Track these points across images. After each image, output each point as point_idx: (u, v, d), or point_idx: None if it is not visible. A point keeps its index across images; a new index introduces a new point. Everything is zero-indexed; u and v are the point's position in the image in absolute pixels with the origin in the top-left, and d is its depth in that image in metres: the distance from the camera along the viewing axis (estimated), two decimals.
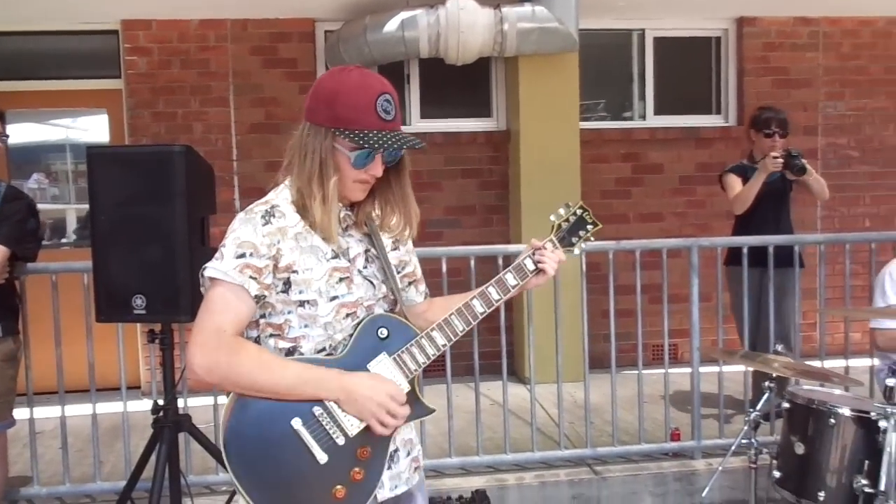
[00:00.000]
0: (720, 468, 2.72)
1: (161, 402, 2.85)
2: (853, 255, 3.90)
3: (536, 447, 3.65)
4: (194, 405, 3.37)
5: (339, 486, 1.51)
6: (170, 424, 2.80)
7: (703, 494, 2.71)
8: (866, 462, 2.39)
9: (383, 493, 1.61)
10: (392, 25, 4.67)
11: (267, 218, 1.54)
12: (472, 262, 3.55)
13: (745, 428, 2.62)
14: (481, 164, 5.40)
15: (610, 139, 5.50)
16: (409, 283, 1.78)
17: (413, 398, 1.60)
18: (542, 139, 5.03)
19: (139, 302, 2.67)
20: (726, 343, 4.11)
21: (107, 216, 2.70)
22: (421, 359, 1.60)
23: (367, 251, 1.64)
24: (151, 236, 2.68)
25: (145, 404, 2.88)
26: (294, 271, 1.53)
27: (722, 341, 3.84)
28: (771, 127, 4.06)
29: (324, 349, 1.56)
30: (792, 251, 3.87)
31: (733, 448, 2.61)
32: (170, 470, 2.78)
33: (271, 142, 4.94)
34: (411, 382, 1.60)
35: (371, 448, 1.54)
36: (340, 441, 1.51)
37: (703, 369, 3.77)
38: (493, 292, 1.67)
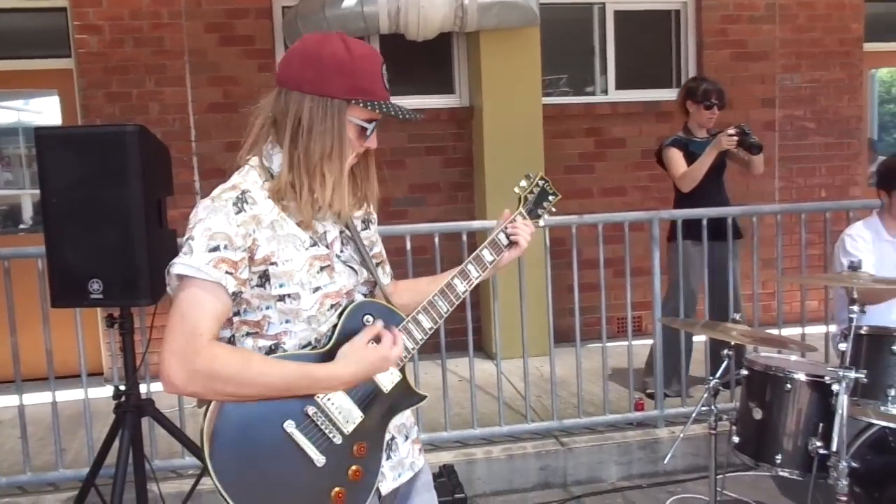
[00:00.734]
0: (681, 435, 2.78)
1: (122, 387, 2.80)
2: (809, 225, 3.99)
3: (504, 421, 3.69)
4: (158, 390, 3.32)
5: (337, 489, 1.40)
6: (132, 409, 2.76)
7: (665, 461, 2.77)
8: (820, 425, 2.45)
9: (386, 485, 1.53)
10: (351, 0, 4.60)
11: (239, 205, 1.39)
12: (437, 240, 3.55)
13: (705, 396, 2.68)
14: (445, 142, 5.37)
15: (572, 114, 5.52)
16: (377, 265, 1.66)
17: (405, 386, 1.54)
18: (505, 115, 5.03)
19: (96, 286, 2.61)
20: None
21: (58, 199, 2.62)
22: (409, 344, 1.53)
23: (341, 233, 1.54)
24: (106, 219, 2.61)
25: (109, 391, 2.83)
26: (273, 263, 1.41)
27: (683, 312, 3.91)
28: (711, 98, 4.02)
29: (309, 344, 1.45)
30: (726, 224, 3.83)
31: (693, 416, 2.67)
32: (134, 455, 2.75)
33: (231, 122, 4.84)
34: (402, 370, 1.54)
35: (367, 442, 1.46)
36: (337, 440, 1.42)
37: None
38: (472, 270, 1.62)
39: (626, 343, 3.85)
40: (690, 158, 4.00)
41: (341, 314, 1.48)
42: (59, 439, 3.32)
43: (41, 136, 2.66)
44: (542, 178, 1.77)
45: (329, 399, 1.43)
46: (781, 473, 2.55)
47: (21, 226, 5.22)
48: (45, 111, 5.19)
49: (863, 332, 2.48)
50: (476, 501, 3.47)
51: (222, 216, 1.38)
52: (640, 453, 3.71)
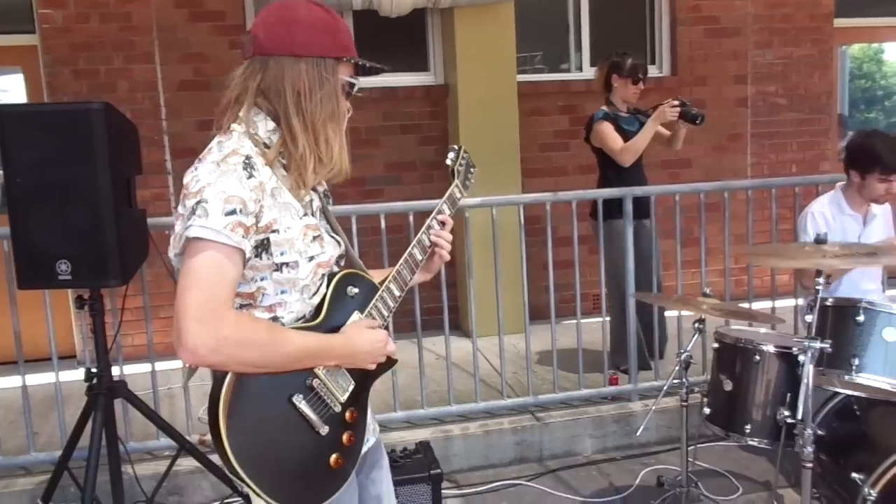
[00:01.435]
0: (653, 408, 2.82)
1: (94, 369, 2.77)
2: (780, 201, 4.04)
3: (480, 398, 3.72)
4: (131, 373, 3.30)
5: (335, 455, 1.45)
6: (104, 391, 2.74)
7: (638, 433, 2.82)
8: (788, 395, 2.50)
9: (364, 448, 1.59)
10: None
11: (249, 171, 1.36)
12: (412, 219, 3.53)
13: (676, 368, 2.73)
14: (420, 120, 5.33)
15: (547, 91, 5.50)
16: None
17: None
18: (479, 92, 5.00)
19: (64, 267, 2.57)
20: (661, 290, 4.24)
21: (23, 179, 2.57)
22: (385, 312, 1.58)
23: (320, 204, 1.56)
24: (73, 199, 2.56)
25: (81, 373, 2.80)
26: (274, 231, 1.40)
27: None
28: (639, 74, 4.04)
29: (302, 317, 1.47)
30: (649, 202, 3.87)
31: (665, 389, 2.71)
32: (107, 437, 2.73)
33: (202, 100, 4.76)
34: None
35: (356, 409, 1.51)
36: (336, 409, 1.46)
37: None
38: (424, 239, 1.68)
39: (600, 319, 3.89)
40: (620, 133, 3.99)
41: (329, 286, 1.50)
42: (30, 423, 3.28)
43: (4, 115, 2.60)
44: (465, 151, 1.82)
45: (327, 371, 1.45)
46: (751, 443, 2.60)
47: None
48: (11, 89, 5.06)
49: (828, 303, 2.53)
50: (453, 477, 3.51)
51: (235, 179, 1.34)
52: (614, 427, 3.77)
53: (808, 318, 2.34)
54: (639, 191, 3.88)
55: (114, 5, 4.81)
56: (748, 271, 4.25)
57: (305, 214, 1.47)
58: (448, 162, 1.78)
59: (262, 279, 1.42)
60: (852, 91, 6.74)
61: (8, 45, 4.88)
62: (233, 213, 1.33)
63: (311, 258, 1.46)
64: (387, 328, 1.59)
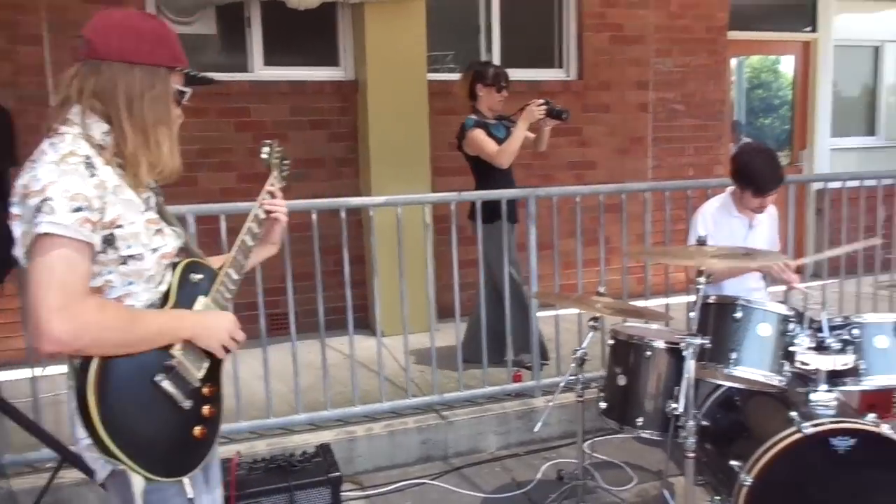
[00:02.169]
0: (551, 404, 2.89)
1: None
2: (674, 202, 4.22)
3: (385, 397, 3.70)
4: (8, 379, 3.09)
5: (198, 427, 1.56)
6: None
7: (536, 428, 2.88)
8: (676, 388, 2.61)
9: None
10: None
11: (91, 170, 1.44)
12: (315, 216, 3.47)
13: (573, 365, 2.80)
14: (330, 115, 5.26)
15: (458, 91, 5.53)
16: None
17: None
18: (390, 89, 4.97)
19: None
20: (562, 288, 4.35)
21: None
22: (227, 294, 1.67)
23: (156, 200, 1.64)
24: None
25: None
26: (119, 226, 1.48)
27: (558, 287, 4.05)
28: (502, 82, 4.16)
29: (152, 304, 1.55)
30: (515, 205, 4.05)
31: (562, 385, 2.78)
32: None
33: None
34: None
35: (211, 383, 1.61)
36: (195, 384, 1.56)
37: (540, 314, 3.99)
38: (253, 227, 1.74)
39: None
40: (492, 139, 4.08)
41: (174, 275, 1.59)
42: None
43: None
44: (279, 146, 1.89)
45: (183, 351, 1.54)
46: (643, 434, 2.72)
47: None
48: None
49: (710, 300, 2.66)
50: (357, 478, 3.47)
51: (77, 178, 1.41)
52: (517, 423, 3.83)
53: (691, 314, 2.45)
54: (541, 192, 3.96)
55: None
56: (645, 270, 4.41)
57: (147, 209, 1.57)
58: (263, 156, 1.86)
59: (108, 273, 1.50)
60: (750, 99, 7.14)
61: None
62: (79, 209, 1.40)
63: (155, 250, 1.55)
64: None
